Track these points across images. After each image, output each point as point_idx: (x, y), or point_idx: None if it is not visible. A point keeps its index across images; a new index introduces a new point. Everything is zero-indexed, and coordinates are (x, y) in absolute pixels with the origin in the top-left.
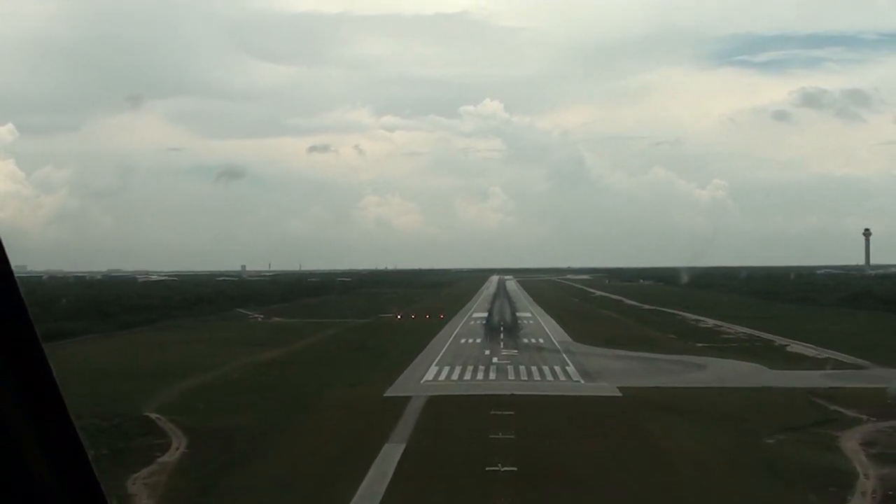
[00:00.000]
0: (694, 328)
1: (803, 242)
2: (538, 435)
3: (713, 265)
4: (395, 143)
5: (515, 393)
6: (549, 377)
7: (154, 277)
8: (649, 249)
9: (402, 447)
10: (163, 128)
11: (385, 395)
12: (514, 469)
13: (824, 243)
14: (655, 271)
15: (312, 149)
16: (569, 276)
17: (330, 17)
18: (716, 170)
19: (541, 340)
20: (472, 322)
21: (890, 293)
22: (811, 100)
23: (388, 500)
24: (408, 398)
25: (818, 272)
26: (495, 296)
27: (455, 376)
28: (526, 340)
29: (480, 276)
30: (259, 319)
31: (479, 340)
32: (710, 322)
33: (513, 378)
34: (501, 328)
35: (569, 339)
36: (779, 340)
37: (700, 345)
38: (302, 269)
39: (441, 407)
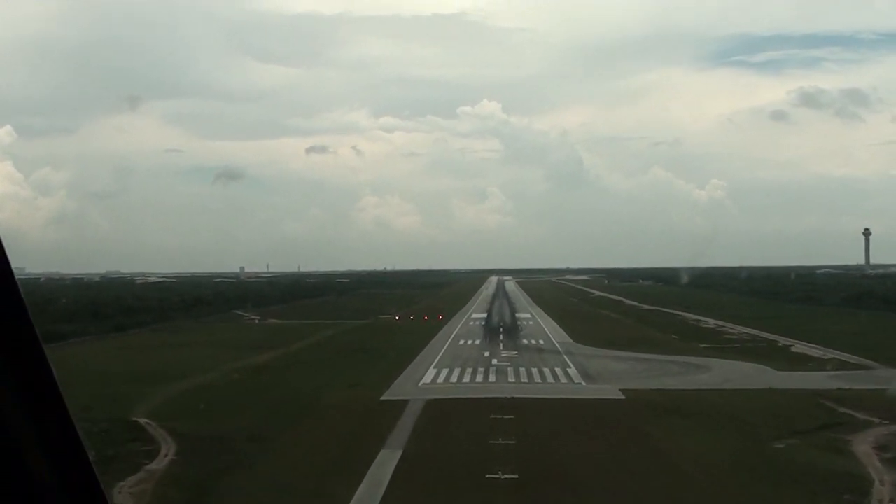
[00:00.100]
0: (695, 329)
1: (802, 242)
2: (539, 439)
3: (713, 265)
4: (393, 143)
5: (516, 396)
6: (550, 379)
7: (152, 279)
8: (648, 250)
9: (399, 453)
10: (161, 129)
11: (382, 398)
12: (515, 476)
13: (823, 243)
14: (655, 272)
15: (311, 150)
16: (568, 277)
17: (328, 19)
18: (715, 170)
19: (541, 342)
20: (472, 323)
21: (892, 293)
22: (810, 100)
23: None
24: (405, 401)
25: (818, 272)
26: (494, 296)
27: (454, 379)
28: (526, 342)
29: (479, 276)
30: (256, 321)
31: (478, 342)
32: (712, 322)
33: (513, 380)
34: (501, 329)
35: (569, 340)
36: (782, 341)
37: (702, 346)
38: (300, 270)
39: (439, 410)
